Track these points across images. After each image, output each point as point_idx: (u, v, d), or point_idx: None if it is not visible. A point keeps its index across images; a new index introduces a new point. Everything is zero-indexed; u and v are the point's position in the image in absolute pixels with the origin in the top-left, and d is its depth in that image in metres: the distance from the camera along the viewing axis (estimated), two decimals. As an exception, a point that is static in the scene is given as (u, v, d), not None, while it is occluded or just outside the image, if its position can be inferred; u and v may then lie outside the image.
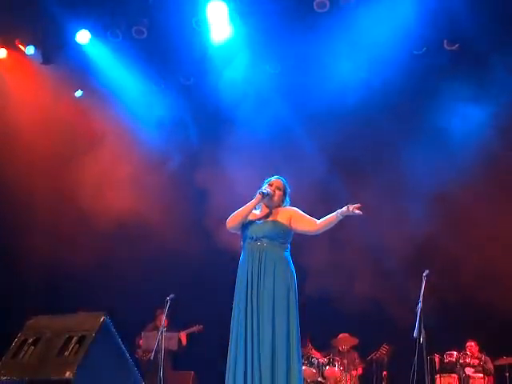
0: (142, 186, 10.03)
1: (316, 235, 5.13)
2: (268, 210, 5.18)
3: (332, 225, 4.95)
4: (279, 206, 5.20)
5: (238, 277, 5.07)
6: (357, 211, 4.81)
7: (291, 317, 4.86)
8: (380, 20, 8.46)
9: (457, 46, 8.75)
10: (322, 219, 5.00)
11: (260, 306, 4.84)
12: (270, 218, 5.11)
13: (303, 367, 8.76)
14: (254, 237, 5.04)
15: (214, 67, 9.44)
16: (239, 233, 5.17)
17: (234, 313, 4.97)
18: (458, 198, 9.36)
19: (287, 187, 5.28)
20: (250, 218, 5.12)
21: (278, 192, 5.17)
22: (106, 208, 9.52)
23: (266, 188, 5.10)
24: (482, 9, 8.15)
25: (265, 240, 5.01)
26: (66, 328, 4.50)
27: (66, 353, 4.28)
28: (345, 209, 4.83)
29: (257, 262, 4.96)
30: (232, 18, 8.88)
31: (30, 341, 4.49)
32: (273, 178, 5.26)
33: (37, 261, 10.07)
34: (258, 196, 5.05)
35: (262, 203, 5.16)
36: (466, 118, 9.24)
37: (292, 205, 5.27)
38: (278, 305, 4.83)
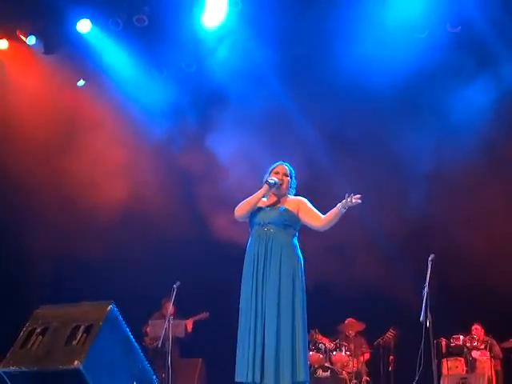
0: (142, 173, 10.03)
1: (321, 230, 5.11)
2: (276, 197, 5.18)
3: (336, 219, 4.94)
4: (287, 192, 5.19)
5: (245, 261, 5.10)
6: (357, 201, 4.81)
7: (296, 302, 4.87)
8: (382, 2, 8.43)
9: (459, 28, 8.69)
10: (325, 215, 4.99)
11: (266, 291, 4.87)
12: (278, 205, 5.12)
13: (310, 352, 8.82)
14: (262, 222, 5.05)
15: (215, 53, 9.40)
16: (247, 220, 5.18)
17: (242, 299, 4.99)
18: (458, 179, 9.36)
19: (293, 171, 5.26)
20: (259, 204, 5.12)
21: (285, 178, 5.16)
22: (107, 197, 9.52)
23: (272, 178, 5.09)
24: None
25: (272, 226, 5.02)
26: (73, 317, 4.53)
27: (74, 342, 4.31)
28: (344, 200, 4.82)
29: (263, 247, 4.98)
30: (231, 4, 8.82)
31: (38, 330, 4.51)
32: (277, 165, 5.24)
33: (42, 251, 10.08)
34: (264, 186, 5.05)
35: (270, 192, 5.16)
36: (466, 99, 9.17)
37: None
38: (283, 290, 4.85)
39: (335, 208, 4.90)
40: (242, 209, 5.09)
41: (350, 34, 8.80)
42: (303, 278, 5.00)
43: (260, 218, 5.07)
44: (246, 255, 5.11)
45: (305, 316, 4.90)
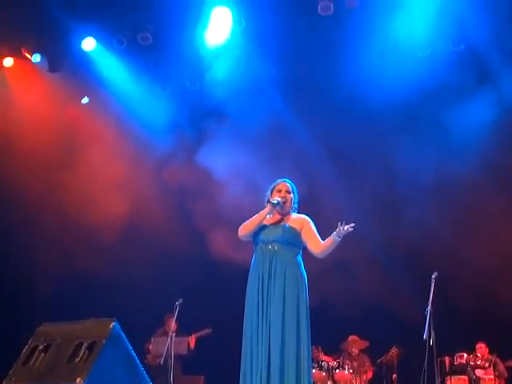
0: (142, 188, 10.04)
1: (319, 257, 5.10)
2: (280, 215, 5.18)
3: (332, 247, 4.95)
4: (291, 209, 5.20)
5: (249, 280, 5.09)
6: (349, 229, 4.82)
7: (301, 321, 4.86)
8: (385, 22, 8.49)
9: (462, 47, 8.75)
10: (323, 242, 5.01)
11: (270, 310, 4.85)
12: (282, 223, 5.13)
13: (313, 370, 8.77)
14: (266, 240, 5.05)
15: (218, 71, 9.47)
16: (251, 239, 5.18)
17: (246, 317, 4.98)
18: (460, 195, 9.38)
19: (295, 187, 5.27)
20: (263, 222, 5.13)
21: (288, 196, 5.16)
22: (107, 213, 9.56)
23: (274, 198, 5.08)
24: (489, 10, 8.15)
25: (276, 244, 5.03)
26: (76, 334, 4.52)
27: (77, 359, 4.30)
28: (338, 229, 4.83)
29: (267, 265, 4.97)
30: (235, 22, 8.89)
31: (41, 347, 4.51)
32: (279, 182, 5.23)
33: (43, 269, 10.07)
34: (268, 207, 5.05)
35: (273, 210, 5.16)
36: (467, 115, 9.18)
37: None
38: (287, 311, 4.84)
39: (330, 237, 4.90)
40: (245, 228, 5.09)
41: (353, 51, 8.87)
42: (307, 296, 4.99)
43: (264, 235, 5.07)
44: (249, 273, 5.10)
45: (309, 334, 4.89)
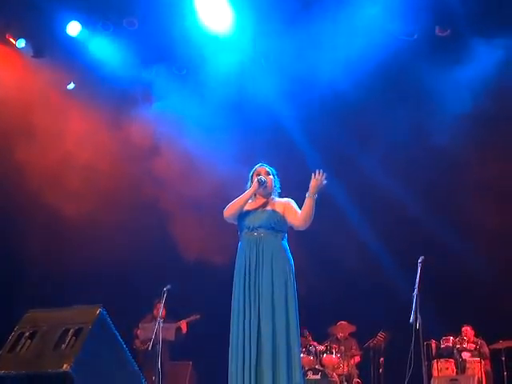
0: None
1: (304, 229, 5.08)
2: (264, 199, 5.18)
3: (312, 210, 4.92)
4: (273, 191, 5.20)
5: (236, 267, 5.08)
6: (323, 179, 4.85)
7: (290, 309, 4.86)
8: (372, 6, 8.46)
9: (448, 31, 8.74)
10: (301, 210, 5.00)
11: (258, 298, 4.85)
12: (267, 208, 5.11)
13: (301, 355, 8.82)
14: (251, 226, 5.04)
15: (208, 58, 9.42)
16: (235, 223, 5.17)
17: (234, 304, 4.98)
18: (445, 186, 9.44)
19: (274, 170, 5.27)
20: (246, 208, 5.13)
21: (268, 177, 5.17)
22: (99, 197, 9.56)
23: (260, 177, 5.09)
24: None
25: (261, 230, 5.02)
26: (62, 321, 4.50)
27: (63, 345, 4.28)
28: (311, 184, 4.85)
29: (254, 252, 4.97)
30: (226, 7, 8.84)
31: (27, 334, 4.48)
32: (257, 167, 5.25)
33: (32, 254, 10.04)
34: (254, 185, 5.06)
35: (256, 193, 5.17)
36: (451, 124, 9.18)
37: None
38: (276, 297, 4.84)
39: (306, 198, 4.91)
40: (231, 208, 5.09)
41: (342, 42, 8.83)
42: (294, 280, 5.00)
43: (249, 221, 5.07)
44: (236, 260, 5.10)
45: (298, 320, 4.90)
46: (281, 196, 5.28)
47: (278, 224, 5.05)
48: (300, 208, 5.04)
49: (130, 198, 9.93)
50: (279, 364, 4.70)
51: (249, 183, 5.21)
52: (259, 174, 5.17)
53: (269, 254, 4.94)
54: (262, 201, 5.17)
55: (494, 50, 8.57)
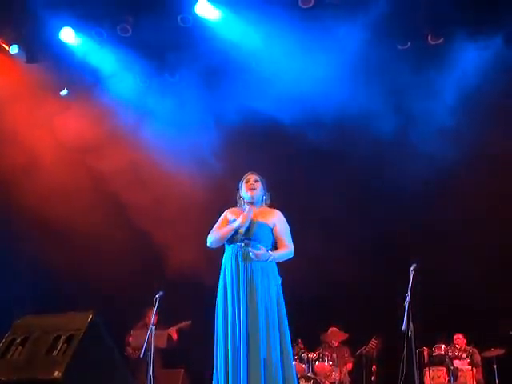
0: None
1: None
2: (253, 206, 5.16)
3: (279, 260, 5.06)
4: (262, 199, 5.21)
5: (220, 279, 5.04)
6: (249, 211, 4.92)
7: (280, 317, 4.87)
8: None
9: (441, 40, 8.77)
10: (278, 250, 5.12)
11: (243, 313, 4.79)
12: (254, 220, 5.06)
13: (293, 362, 8.81)
14: (237, 237, 5.02)
15: (200, 64, 9.43)
16: None
17: (218, 317, 4.95)
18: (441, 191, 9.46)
19: (263, 180, 5.29)
20: (233, 217, 5.11)
21: (257, 184, 5.18)
22: (89, 202, 9.52)
23: (247, 209, 5.06)
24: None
25: (247, 241, 4.99)
26: (54, 327, 4.48)
27: (55, 352, 4.25)
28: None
29: (240, 264, 4.92)
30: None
31: (18, 341, 4.45)
32: (246, 176, 5.25)
33: (24, 262, 9.99)
34: (243, 218, 5.00)
35: (246, 203, 5.16)
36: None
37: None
38: (261, 312, 4.79)
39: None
40: (215, 241, 5.09)
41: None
42: (281, 294, 4.99)
43: (235, 232, 5.05)
44: (221, 272, 5.06)
45: (287, 329, 4.88)
46: (271, 206, 5.28)
47: (264, 236, 5.05)
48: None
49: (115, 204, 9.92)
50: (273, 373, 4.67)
51: (238, 193, 5.22)
52: (248, 181, 5.17)
53: (254, 268, 4.90)
54: (250, 210, 5.13)
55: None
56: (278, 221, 5.11)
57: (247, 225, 5.00)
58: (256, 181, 5.19)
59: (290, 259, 5.16)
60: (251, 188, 5.14)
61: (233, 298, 4.87)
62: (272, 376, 4.65)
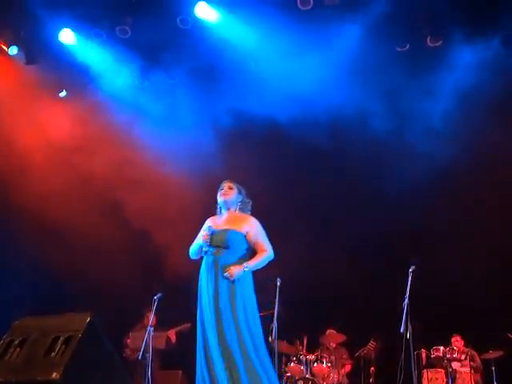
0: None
1: None
2: (227, 216, 5.28)
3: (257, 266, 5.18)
4: (235, 206, 5.33)
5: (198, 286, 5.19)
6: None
7: (248, 320, 4.97)
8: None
9: (440, 42, 8.78)
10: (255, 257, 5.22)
11: (212, 319, 4.96)
12: (225, 227, 5.19)
13: (291, 364, 8.83)
14: (210, 246, 5.13)
15: (199, 66, 9.44)
16: None
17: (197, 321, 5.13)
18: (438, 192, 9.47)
19: (240, 188, 5.42)
20: (209, 225, 5.24)
21: (229, 191, 5.32)
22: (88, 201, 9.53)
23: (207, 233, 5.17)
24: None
25: (219, 249, 5.10)
26: (52, 329, 4.48)
27: (53, 354, 4.25)
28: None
29: (211, 271, 5.05)
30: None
31: (16, 342, 4.46)
32: (223, 183, 5.41)
33: (23, 262, 9.99)
34: (204, 237, 5.16)
35: (223, 208, 5.33)
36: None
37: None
38: (230, 317, 4.92)
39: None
40: (192, 253, 5.37)
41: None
42: (252, 289, 5.12)
43: (209, 241, 5.16)
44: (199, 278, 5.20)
45: (254, 329, 4.96)
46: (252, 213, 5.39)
47: (236, 243, 5.15)
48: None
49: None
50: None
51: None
52: (223, 188, 5.35)
53: (223, 273, 5.01)
54: (224, 218, 5.29)
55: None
56: (250, 227, 5.22)
57: (216, 237, 5.13)
58: (230, 188, 5.35)
59: (270, 261, 5.24)
60: (224, 194, 5.32)
61: (202, 301, 5.09)
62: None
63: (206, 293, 5.05)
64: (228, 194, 5.30)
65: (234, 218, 5.27)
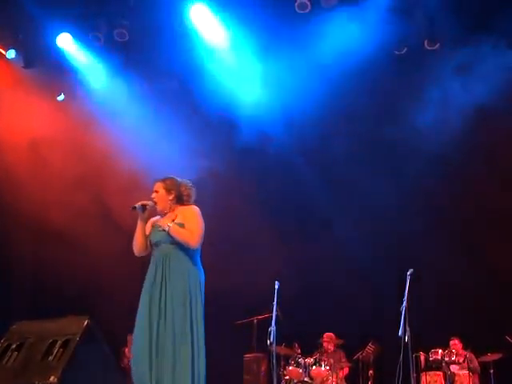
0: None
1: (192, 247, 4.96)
2: (172, 212, 5.05)
3: (178, 236, 4.89)
4: (169, 204, 5.06)
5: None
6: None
7: (192, 321, 4.84)
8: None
9: (438, 45, 8.81)
10: None
11: (160, 316, 4.83)
12: (173, 222, 4.94)
13: (290, 367, 8.81)
14: (154, 242, 5.01)
15: (199, 70, 9.46)
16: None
17: (137, 318, 4.99)
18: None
19: (169, 184, 5.08)
20: (156, 223, 5.08)
21: (156, 195, 5.05)
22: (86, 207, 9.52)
23: (138, 204, 5.01)
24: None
25: (164, 245, 4.95)
26: (49, 332, 4.48)
27: (50, 357, 4.26)
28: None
29: (158, 267, 4.93)
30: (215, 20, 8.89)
31: (14, 346, 4.46)
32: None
33: (20, 265, 9.98)
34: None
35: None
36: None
37: None
38: (176, 312, 4.79)
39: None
40: (134, 246, 5.13)
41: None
42: (198, 291, 4.94)
43: (152, 237, 5.03)
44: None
45: (197, 327, 4.85)
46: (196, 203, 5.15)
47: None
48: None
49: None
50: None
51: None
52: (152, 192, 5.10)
53: (170, 268, 4.89)
54: (170, 213, 5.04)
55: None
56: (186, 216, 4.96)
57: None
58: (155, 191, 5.07)
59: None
60: (152, 199, 5.07)
61: (149, 299, 4.92)
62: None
63: (150, 294, 4.98)
64: (153, 198, 5.04)
65: (178, 211, 5.02)
